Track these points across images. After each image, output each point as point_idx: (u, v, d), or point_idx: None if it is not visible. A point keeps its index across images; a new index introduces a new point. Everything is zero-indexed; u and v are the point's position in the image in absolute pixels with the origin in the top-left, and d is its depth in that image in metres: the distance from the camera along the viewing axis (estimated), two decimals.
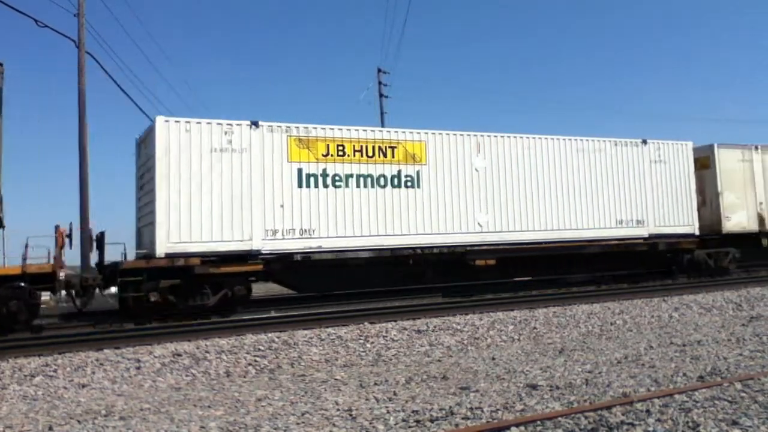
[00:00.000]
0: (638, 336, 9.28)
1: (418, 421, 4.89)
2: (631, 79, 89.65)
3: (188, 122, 11.26)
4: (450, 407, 5.24)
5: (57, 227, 10.70)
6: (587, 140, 14.79)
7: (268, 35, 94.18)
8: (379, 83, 26.99)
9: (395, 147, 12.84)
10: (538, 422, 4.61)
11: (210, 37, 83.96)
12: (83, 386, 7.06)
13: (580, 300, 12.47)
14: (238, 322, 10.45)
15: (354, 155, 12.46)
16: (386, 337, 9.24)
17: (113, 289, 11.52)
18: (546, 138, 14.39)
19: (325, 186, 12.12)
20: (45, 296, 11.51)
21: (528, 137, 14.21)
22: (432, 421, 4.89)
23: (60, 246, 10.50)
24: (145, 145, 12.12)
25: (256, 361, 8.06)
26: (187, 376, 7.53)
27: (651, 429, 4.37)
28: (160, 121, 11.11)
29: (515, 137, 14.08)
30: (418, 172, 12.96)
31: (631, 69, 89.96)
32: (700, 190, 16.45)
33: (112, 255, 11.97)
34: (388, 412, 5.24)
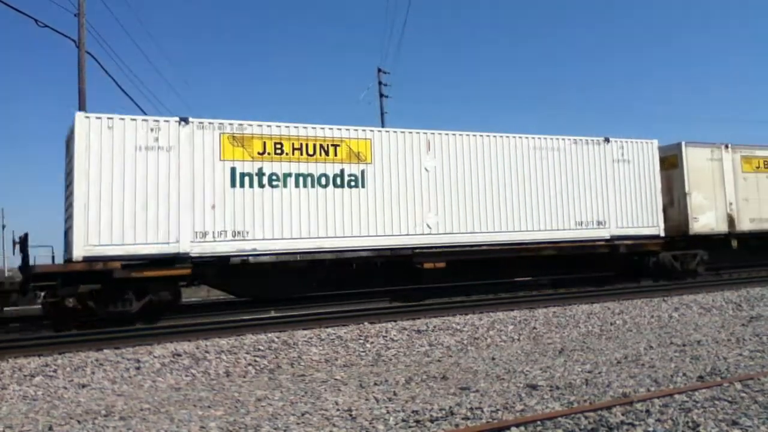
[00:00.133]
0: (638, 336, 9.28)
1: (418, 421, 4.89)
2: (631, 79, 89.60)
3: (111, 118, 10.72)
4: (450, 407, 5.24)
5: None
6: (545, 138, 14.33)
7: (269, 35, 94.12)
8: (379, 83, 27.05)
9: (338, 145, 12.34)
10: (538, 422, 4.61)
11: (210, 37, 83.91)
12: (83, 386, 7.06)
13: (580, 300, 12.46)
14: (238, 322, 10.43)
15: (293, 153, 11.95)
16: (386, 337, 9.24)
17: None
18: (501, 136, 13.93)
19: (261, 186, 11.61)
20: None
21: (482, 135, 13.73)
22: (432, 421, 4.89)
23: None
24: (69, 143, 11.45)
25: (255, 361, 8.06)
26: (187, 376, 7.53)
27: (651, 429, 4.37)
28: (80, 117, 10.60)
29: (468, 135, 13.61)
30: (362, 172, 12.47)
31: (631, 69, 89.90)
32: (668, 190, 16.11)
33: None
34: (388, 412, 5.24)
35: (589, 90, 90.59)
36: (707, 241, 16.16)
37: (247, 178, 11.53)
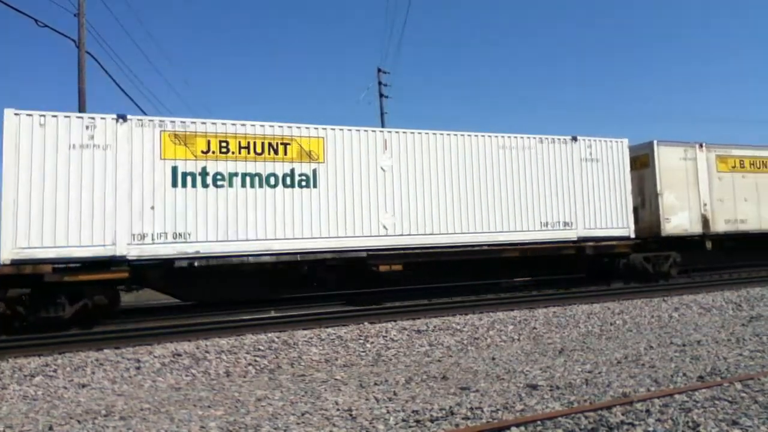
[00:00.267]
0: (638, 336, 9.28)
1: (418, 421, 4.89)
2: (632, 79, 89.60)
3: (43, 116, 10.27)
4: (450, 407, 5.24)
5: None
6: (509, 137, 13.88)
7: (269, 35, 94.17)
8: (379, 83, 27.03)
9: (288, 144, 11.85)
10: (538, 422, 4.61)
11: (210, 37, 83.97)
12: (83, 386, 7.06)
13: (580, 300, 12.47)
14: (238, 322, 10.44)
15: (240, 152, 11.49)
16: (386, 337, 9.24)
17: None
18: (462, 134, 13.49)
19: (205, 186, 11.12)
20: None
21: (441, 133, 13.30)
22: (432, 421, 4.89)
23: None
24: None
25: (256, 361, 8.06)
26: (187, 376, 7.53)
27: (651, 429, 4.37)
28: (8, 114, 10.11)
29: (426, 133, 13.16)
30: (314, 171, 11.99)
31: (632, 69, 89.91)
32: (640, 191, 15.71)
33: None
34: (388, 412, 5.24)
35: (589, 89, 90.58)
36: (681, 242, 15.77)
37: (189, 178, 11.06)
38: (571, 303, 12.10)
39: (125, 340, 9.05)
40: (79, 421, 5.47)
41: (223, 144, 11.40)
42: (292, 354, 8.37)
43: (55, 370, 7.46)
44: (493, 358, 7.84)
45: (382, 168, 12.60)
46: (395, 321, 10.33)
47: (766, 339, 8.21)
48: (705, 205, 16.08)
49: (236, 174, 11.41)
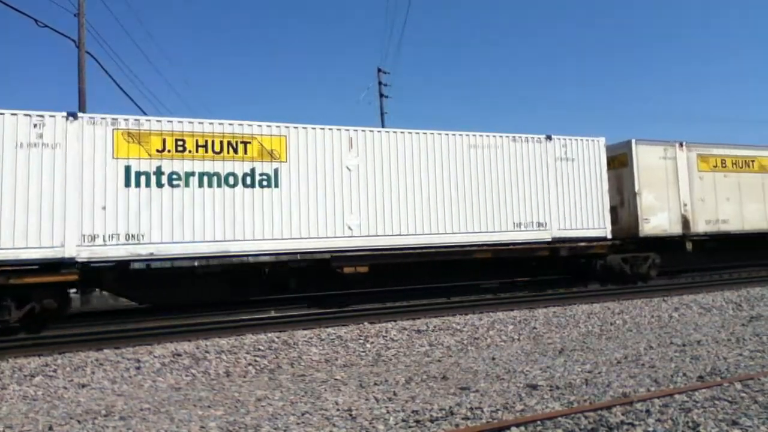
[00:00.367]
0: (638, 336, 9.28)
1: (418, 421, 4.89)
2: (632, 79, 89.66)
3: None
4: (450, 407, 5.24)
5: None
6: (480, 135, 13.47)
7: (269, 35, 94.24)
8: (379, 83, 27.05)
9: (249, 142, 11.47)
10: (538, 422, 4.61)
11: (210, 37, 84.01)
12: (83, 386, 7.06)
13: (580, 300, 12.48)
14: (238, 322, 10.43)
15: (197, 151, 11.07)
16: (386, 337, 9.24)
17: None
18: (431, 133, 13.12)
19: (160, 185, 10.74)
20: None
21: (410, 132, 12.92)
22: (432, 421, 4.89)
23: None
24: None
25: (256, 361, 8.06)
26: (187, 376, 7.53)
27: (651, 429, 4.37)
28: None
29: (395, 132, 12.82)
30: (276, 170, 11.59)
31: (632, 69, 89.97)
32: (619, 191, 15.37)
33: None
34: (388, 412, 5.24)
35: (588, 88, 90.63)
36: (660, 243, 15.37)
37: (143, 178, 10.67)
38: (571, 303, 12.10)
39: (125, 340, 9.05)
40: (79, 421, 5.47)
41: (180, 142, 11.03)
42: (292, 354, 8.37)
43: (55, 370, 7.46)
44: (493, 358, 7.84)
45: (347, 167, 12.23)
46: (395, 321, 10.33)
47: (766, 339, 8.21)
48: (685, 205, 15.71)
49: (193, 173, 11.04)
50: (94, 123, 10.52)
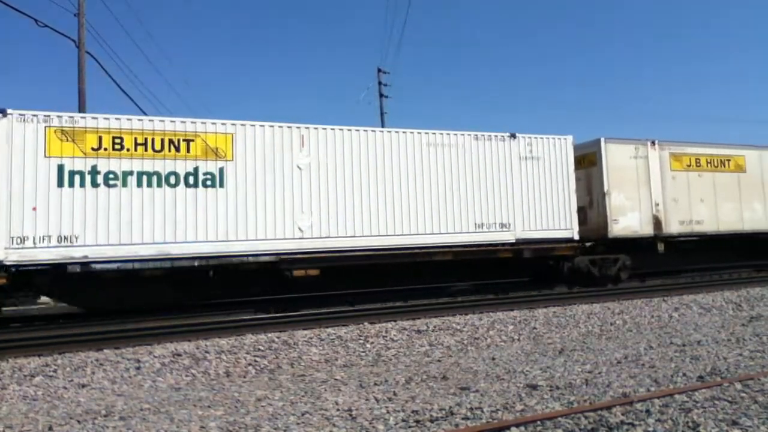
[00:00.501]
0: (638, 336, 9.28)
1: (418, 421, 4.89)
2: (632, 79, 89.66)
3: None
4: (450, 407, 5.24)
5: None
6: (440, 133, 13.05)
7: (268, 35, 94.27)
8: (379, 83, 27.06)
9: (192, 140, 10.99)
10: (538, 422, 4.61)
11: (210, 37, 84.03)
12: (83, 386, 7.06)
13: (580, 300, 12.47)
14: (238, 322, 10.42)
15: (136, 149, 10.61)
16: (386, 337, 9.24)
17: None
18: (388, 131, 12.79)
19: (95, 185, 10.26)
20: None
21: (365, 130, 12.48)
22: (432, 421, 4.89)
23: None
24: None
25: (256, 361, 8.06)
26: (187, 376, 7.53)
27: (651, 429, 4.37)
28: None
29: (348, 130, 12.30)
30: (221, 170, 11.15)
31: (632, 69, 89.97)
32: (588, 190, 14.99)
33: None
34: (388, 412, 5.24)
35: (588, 88, 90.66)
36: (631, 244, 14.95)
37: (77, 177, 10.20)
38: (571, 303, 12.10)
39: (125, 340, 9.04)
40: (79, 421, 5.47)
41: (117, 140, 10.55)
42: (292, 354, 8.37)
43: (55, 370, 7.46)
44: (493, 358, 7.84)
45: (298, 166, 11.76)
46: (395, 321, 10.33)
47: (766, 339, 8.21)
48: (657, 205, 15.27)
49: (131, 173, 10.57)
50: (24, 120, 10.09)
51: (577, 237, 14.00)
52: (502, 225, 13.33)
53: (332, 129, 12.25)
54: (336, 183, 12.07)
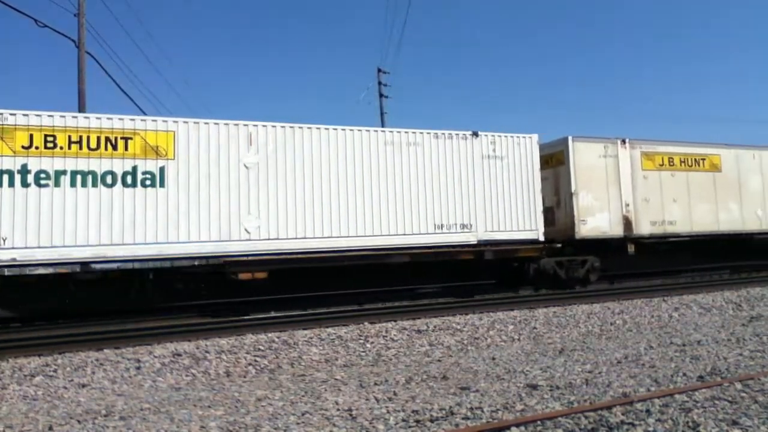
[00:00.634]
0: (638, 336, 9.28)
1: (418, 421, 4.89)
2: (632, 79, 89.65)
3: None
4: (450, 407, 5.24)
5: None
6: (397, 132, 12.72)
7: (268, 35, 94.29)
8: (379, 83, 27.02)
9: (130, 138, 10.57)
10: (538, 422, 4.61)
11: (210, 37, 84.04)
12: (83, 386, 7.05)
13: (580, 300, 12.48)
14: (238, 322, 10.42)
15: (69, 147, 10.17)
16: (386, 337, 9.24)
17: None
18: (342, 129, 12.26)
19: (25, 185, 9.84)
20: None
21: (318, 128, 12.05)
22: (432, 421, 4.89)
23: None
24: None
25: (256, 361, 8.06)
26: (187, 376, 7.53)
27: (651, 429, 4.37)
28: None
29: (300, 127, 11.87)
30: (162, 169, 10.72)
31: (632, 69, 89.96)
32: (556, 190, 14.63)
33: None
34: (388, 412, 5.24)
35: (588, 89, 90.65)
36: (601, 245, 14.55)
37: (6, 176, 9.79)
38: (571, 303, 12.11)
39: (125, 340, 9.05)
40: (79, 421, 5.47)
41: (50, 138, 10.13)
42: (292, 354, 8.37)
43: (55, 370, 7.46)
44: (493, 358, 7.84)
45: (245, 165, 11.33)
46: (395, 321, 10.33)
47: (766, 339, 8.21)
48: (627, 205, 14.84)
49: (64, 172, 10.15)
50: None
51: (542, 238, 13.65)
52: (464, 226, 12.95)
53: (282, 126, 11.82)
54: (286, 183, 11.64)
